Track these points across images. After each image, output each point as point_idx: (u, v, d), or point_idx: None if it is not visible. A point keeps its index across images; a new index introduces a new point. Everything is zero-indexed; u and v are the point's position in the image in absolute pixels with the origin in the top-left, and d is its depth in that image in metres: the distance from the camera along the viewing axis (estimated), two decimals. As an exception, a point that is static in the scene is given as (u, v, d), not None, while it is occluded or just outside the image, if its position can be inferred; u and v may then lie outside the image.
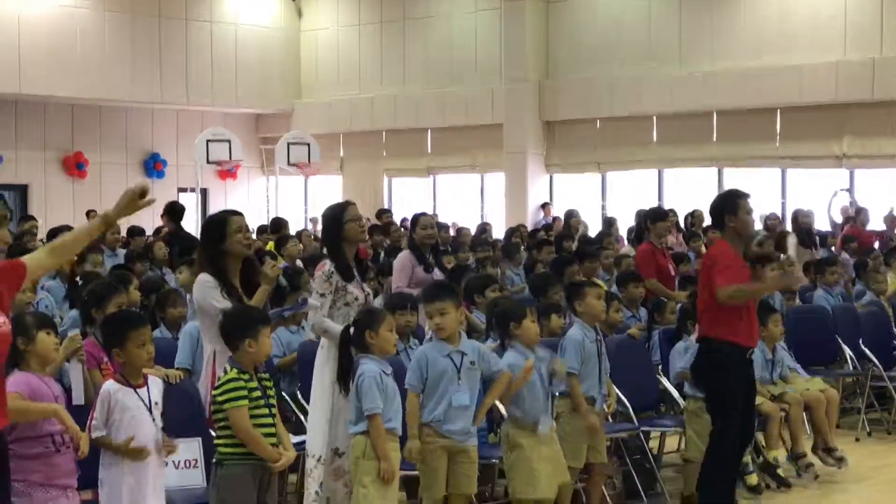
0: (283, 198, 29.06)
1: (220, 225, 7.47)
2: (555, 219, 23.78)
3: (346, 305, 7.75)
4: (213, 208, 28.85)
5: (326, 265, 7.82)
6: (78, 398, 6.60)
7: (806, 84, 22.21)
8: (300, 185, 30.61)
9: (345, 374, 7.23)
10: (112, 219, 5.34)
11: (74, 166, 27.86)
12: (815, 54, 22.23)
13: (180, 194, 29.59)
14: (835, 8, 22.18)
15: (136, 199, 5.28)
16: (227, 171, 29.28)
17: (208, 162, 26.44)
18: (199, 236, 7.70)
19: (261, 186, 30.85)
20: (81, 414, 6.23)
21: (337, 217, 7.90)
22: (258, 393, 6.44)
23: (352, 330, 7.18)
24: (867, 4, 21.88)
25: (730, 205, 8.51)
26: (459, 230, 19.67)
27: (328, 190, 29.61)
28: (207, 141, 26.33)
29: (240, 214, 7.59)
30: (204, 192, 29.17)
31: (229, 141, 26.60)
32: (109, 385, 6.25)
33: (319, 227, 23.16)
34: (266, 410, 6.46)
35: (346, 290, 7.75)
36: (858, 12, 21.94)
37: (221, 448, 6.44)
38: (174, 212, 16.83)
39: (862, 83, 21.66)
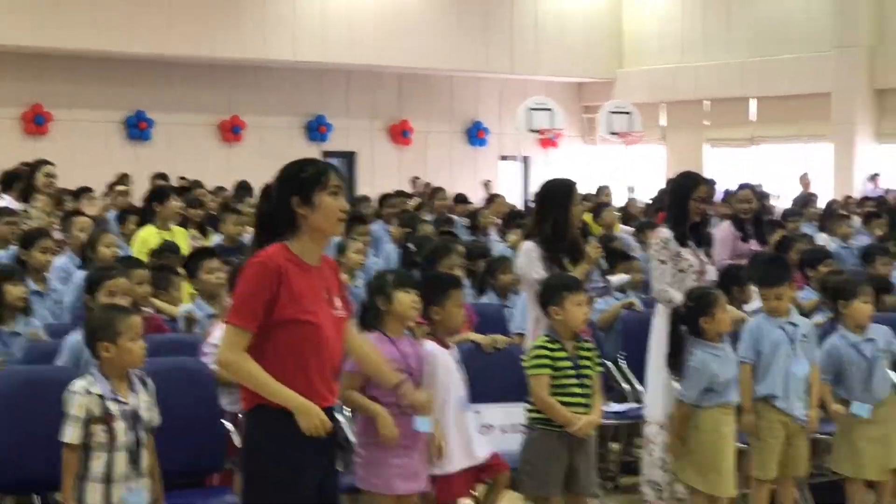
0: (604, 166, 29.09)
1: (564, 192, 7.66)
2: (888, 191, 22.89)
3: (681, 272, 7.85)
4: (535, 177, 29.14)
5: (662, 232, 7.91)
6: None
7: None
8: (621, 154, 30.49)
9: (675, 353, 7.27)
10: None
11: (400, 134, 28.58)
12: None
13: (501, 162, 30.02)
14: None
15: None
16: (549, 140, 29.44)
17: (530, 130, 26.70)
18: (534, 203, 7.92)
19: (582, 155, 30.92)
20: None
21: (686, 188, 7.98)
22: (567, 363, 6.53)
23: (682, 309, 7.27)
24: None
25: None
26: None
27: (649, 159, 29.46)
28: (530, 109, 26.60)
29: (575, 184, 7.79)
30: (525, 161, 29.48)
31: (551, 109, 26.82)
32: (431, 346, 6.44)
33: (637, 195, 23.33)
34: (574, 380, 6.53)
35: (680, 257, 7.84)
36: None
37: (530, 413, 6.62)
38: None
39: None
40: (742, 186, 11.56)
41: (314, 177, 4.98)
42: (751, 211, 11.03)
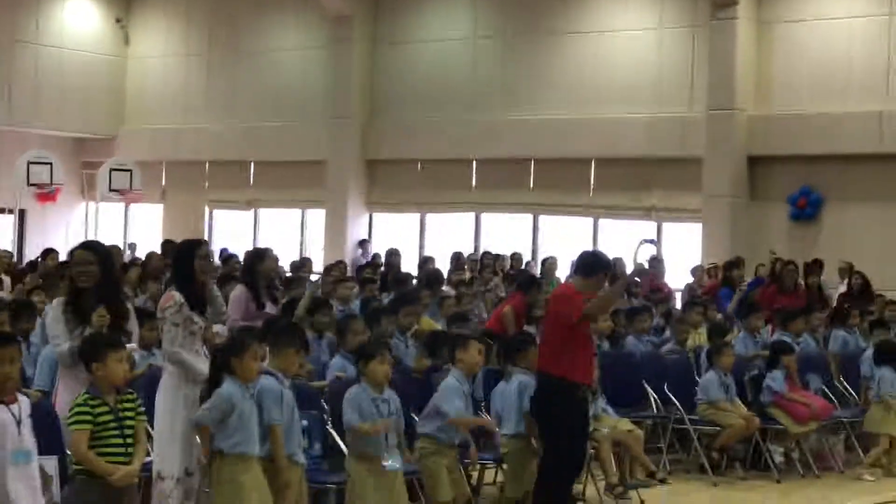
0: (103, 224, 28.99)
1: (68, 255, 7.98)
2: (374, 256, 24.18)
3: (192, 334, 8.29)
4: (31, 231, 28.67)
5: (175, 297, 8.30)
6: None
7: (619, 137, 23.16)
8: (121, 212, 30.48)
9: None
10: None
11: None
12: (628, 109, 23.21)
13: (-2, 215, 29.35)
14: (649, 66, 23.22)
15: None
16: (47, 195, 29.02)
17: (28, 184, 26.32)
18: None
19: (81, 211, 30.64)
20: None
21: (189, 253, 8.44)
22: (108, 417, 6.87)
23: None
24: (679, 64, 22.97)
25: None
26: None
27: (149, 218, 29.64)
28: (28, 163, 26.27)
29: (81, 248, 8.11)
30: (22, 214, 28.91)
31: (51, 164, 26.59)
32: None
33: (137, 253, 23.53)
34: (116, 433, 6.88)
35: (192, 320, 8.28)
36: (671, 71, 22.99)
37: (73, 465, 6.90)
38: None
39: (671, 139, 22.69)
40: (265, 250, 12.12)
41: None
42: (277, 274, 11.64)
